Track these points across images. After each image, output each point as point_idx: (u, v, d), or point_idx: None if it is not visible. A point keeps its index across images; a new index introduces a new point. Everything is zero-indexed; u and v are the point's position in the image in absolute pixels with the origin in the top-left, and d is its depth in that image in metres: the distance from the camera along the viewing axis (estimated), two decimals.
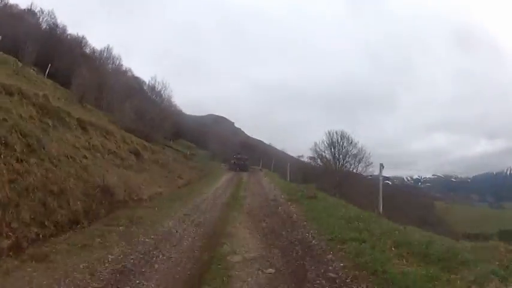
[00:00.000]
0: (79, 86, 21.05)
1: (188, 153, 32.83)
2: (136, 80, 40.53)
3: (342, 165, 28.88)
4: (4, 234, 4.66)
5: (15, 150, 6.28)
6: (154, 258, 4.73)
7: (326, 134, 29.82)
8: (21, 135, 6.84)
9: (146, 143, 17.98)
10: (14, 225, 4.92)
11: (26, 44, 23.92)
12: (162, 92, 33.90)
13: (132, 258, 4.62)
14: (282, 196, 11.73)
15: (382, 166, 8.69)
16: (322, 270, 4.48)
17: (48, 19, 32.67)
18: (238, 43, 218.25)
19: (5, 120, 7.01)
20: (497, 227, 48.73)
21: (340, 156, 29.11)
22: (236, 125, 68.35)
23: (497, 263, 4.36)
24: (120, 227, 5.88)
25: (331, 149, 29.60)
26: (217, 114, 67.73)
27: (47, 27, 32.60)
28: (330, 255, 5.05)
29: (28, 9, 32.74)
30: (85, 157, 9.68)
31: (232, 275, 4.22)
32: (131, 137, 15.90)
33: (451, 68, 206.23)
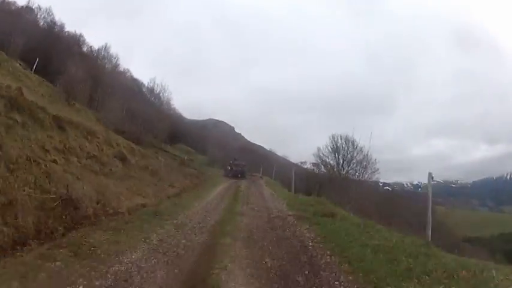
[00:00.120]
0: (66, 83, 19.64)
1: (186, 158, 31.43)
2: (135, 81, 39.63)
3: (347, 171, 27.25)
4: None
5: None
6: None
7: (330, 138, 28.27)
8: None
9: (135, 146, 16.41)
10: None
11: (11, 36, 22.72)
12: (160, 94, 32.79)
13: None
14: (289, 213, 9.88)
15: (431, 177, 6.30)
16: None
17: (46, 16, 32.07)
18: (238, 43, 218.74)
19: None
20: (497, 231, 46.88)
21: (345, 162, 27.54)
22: (236, 130, 67.34)
23: None
24: (57, 262, 4.18)
25: (335, 154, 28.00)
26: (217, 118, 66.85)
27: (44, 24, 32.08)
28: None
29: (26, 6, 32.13)
30: (54, 161, 8.22)
31: None
32: (118, 139, 14.37)
33: (451, 68, 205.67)
